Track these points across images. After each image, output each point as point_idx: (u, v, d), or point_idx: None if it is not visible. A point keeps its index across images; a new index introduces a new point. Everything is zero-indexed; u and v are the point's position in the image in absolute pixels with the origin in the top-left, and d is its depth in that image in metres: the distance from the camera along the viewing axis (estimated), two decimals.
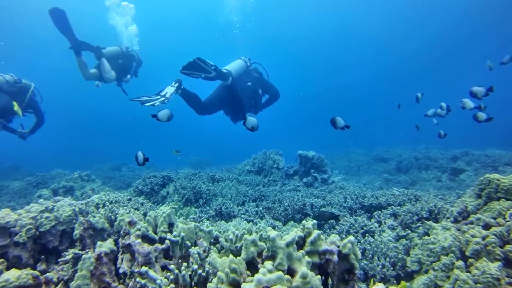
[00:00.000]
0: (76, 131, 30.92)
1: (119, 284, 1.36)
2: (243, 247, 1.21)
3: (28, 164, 12.16)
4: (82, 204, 2.17)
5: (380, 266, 2.52)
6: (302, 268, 1.00)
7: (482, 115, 3.78)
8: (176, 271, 1.22)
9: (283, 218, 3.59)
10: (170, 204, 4.56)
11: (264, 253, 1.12)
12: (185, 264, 1.31)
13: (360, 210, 3.77)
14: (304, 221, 1.38)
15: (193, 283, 1.31)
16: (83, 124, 32.77)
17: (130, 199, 3.12)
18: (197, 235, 1.86)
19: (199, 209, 4.47)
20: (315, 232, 1.33)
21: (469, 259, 2.25)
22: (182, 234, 1.51)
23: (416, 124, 5.74)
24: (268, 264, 0.98)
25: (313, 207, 3.80)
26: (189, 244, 1.50)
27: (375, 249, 2.67)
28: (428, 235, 2.74)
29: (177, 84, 4.52)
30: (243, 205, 4.44)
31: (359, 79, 32.74)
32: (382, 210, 3.53)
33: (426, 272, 2.43)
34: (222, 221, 2.98)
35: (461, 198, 3.01)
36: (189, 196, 4.77)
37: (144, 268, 1.28)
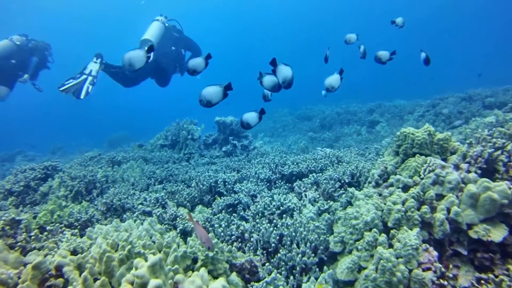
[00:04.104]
0: None
1: None
2: None
3: None
4: None
5: (300, 255, 2.07)
6: None
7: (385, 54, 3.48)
8: None
9: (188, 204, 2.93)
10: (49, 202, 3.53)
11: None
12: None
13: (280, 181, 3.31)
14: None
15: None
16: None
17: None
18: None
19: (90, 203, 3.56)
20: None
21: (392, 230, 2.01)
22: None
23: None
24: None
25: (226, 183, 3.21)
26: None
27: (293, 233, 2.21)
28: (351, 204, 2.39)
29: (99, 59, 4.19)
30: (147, 190, 3.67)
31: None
32: (303, 179, 3.10)
33: (350, 252, 2.05)
34: (98, 224, 2.17)
35: (381, 158, 2.70)
36: (79, 188, 3.80)
37: None
